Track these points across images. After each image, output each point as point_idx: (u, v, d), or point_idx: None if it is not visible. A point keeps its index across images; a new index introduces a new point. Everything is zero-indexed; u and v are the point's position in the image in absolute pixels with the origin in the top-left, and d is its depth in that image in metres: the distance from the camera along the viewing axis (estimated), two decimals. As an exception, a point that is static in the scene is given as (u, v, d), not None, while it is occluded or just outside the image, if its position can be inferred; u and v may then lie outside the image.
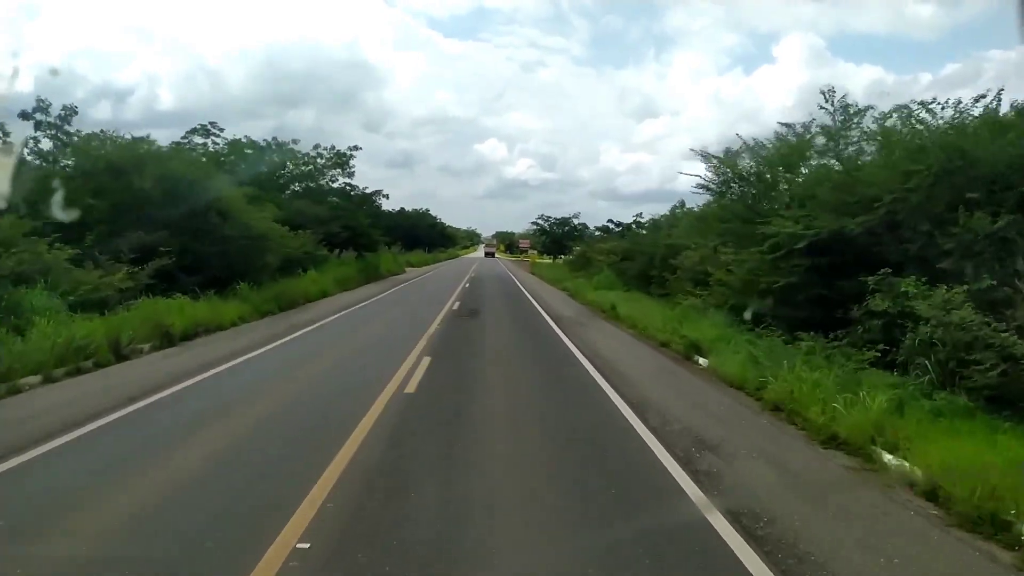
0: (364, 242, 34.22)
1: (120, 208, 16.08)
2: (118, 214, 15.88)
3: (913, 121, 10.08)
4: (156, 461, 5.57)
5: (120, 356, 10.32)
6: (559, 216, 76.51)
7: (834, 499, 5.32)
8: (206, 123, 33.22)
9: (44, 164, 17.70)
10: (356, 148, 34.21)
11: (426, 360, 10.26)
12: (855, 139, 11.97)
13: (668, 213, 28.02)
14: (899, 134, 10.40)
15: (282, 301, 18.14)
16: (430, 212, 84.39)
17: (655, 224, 25.57)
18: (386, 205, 50.08)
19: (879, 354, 8.64)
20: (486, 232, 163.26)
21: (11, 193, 10.29)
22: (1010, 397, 6.90)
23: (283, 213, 28.07)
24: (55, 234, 12.21)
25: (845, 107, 12.51)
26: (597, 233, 57.29)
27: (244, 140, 32.16)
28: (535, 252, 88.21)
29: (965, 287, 7.73)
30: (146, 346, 11.20)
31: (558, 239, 76.68)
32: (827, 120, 12.33)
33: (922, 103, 10.04)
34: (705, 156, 13.67)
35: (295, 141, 32.92)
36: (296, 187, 34.09)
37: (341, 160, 33.85)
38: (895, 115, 10.80)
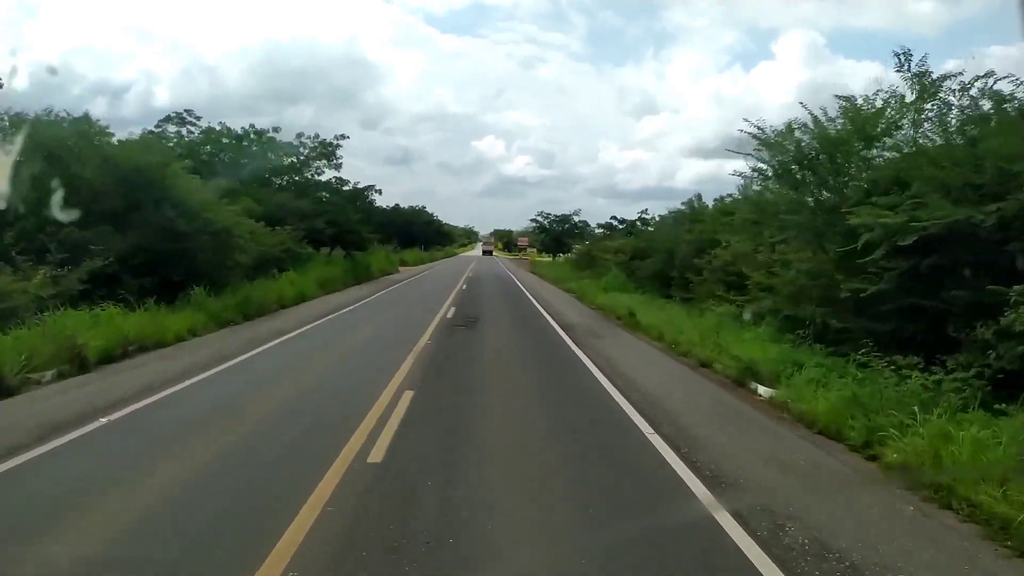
0: (353, 240, 31.66)
1: (54, 199, 13.57)
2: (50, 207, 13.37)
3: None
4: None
5: (5, 390, 7.82)
6: (559, 213, 73.87)
7: None
8: (181, 111, 30.75)
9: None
10: (343, 137, 31.64)
11: (407, 397, 7.75)
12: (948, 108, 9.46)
13: (684, 207, 25.53)
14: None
15: (249, 307, 15.64)
16: (426, 209, 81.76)
17: (675, 218, 23.03)
18: (381, 201, 47.56)
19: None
20: (484, 230, 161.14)
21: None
22: None
23: (262, 208, 25.81)
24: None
25: (920, 75, 10.05)
26: (600, 231, 54.99)
27: (219, 128, 29.58)
28: (534, 250, 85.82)
29: None
30: (49, 373, 8.69)
31: (558, 237, 74.32)
32: (900, 89, 9.88)
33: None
34: (760, 134, 11.12)
35: (276, 129, 30.34)
36: (279, 180, 31.53)
37: (327, 150, 31.26)
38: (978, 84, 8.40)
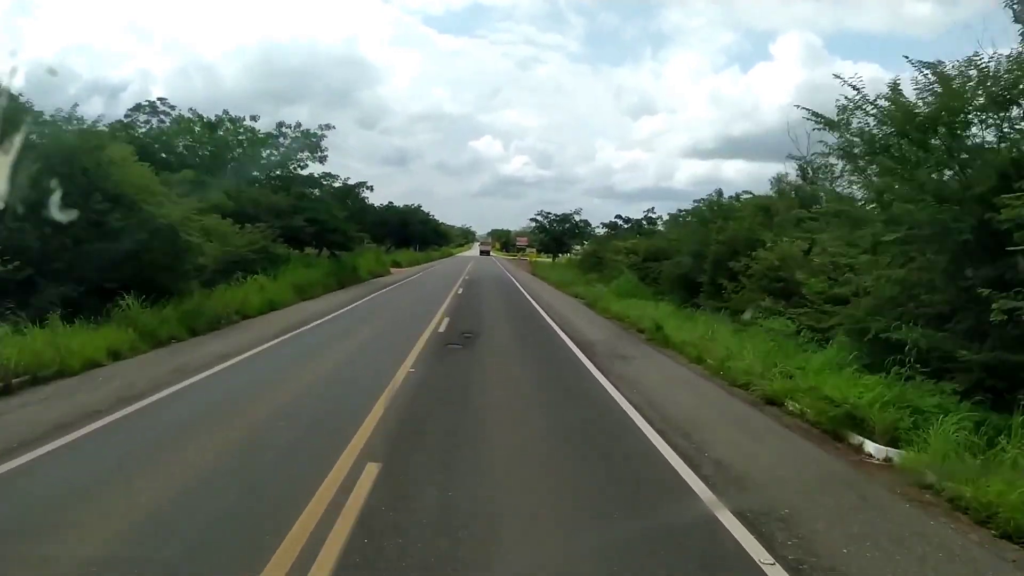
0: (339, 239, 28.90)
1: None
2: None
3: None
4: None
5: None
6: (559, 212, 71.09)
7: None
8: (154, 99, 28.05)
9: None
10: (328, 127, 28.87)
11: (368, 476, 5.04)
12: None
13: (701, 204, 22.86)
14: None
15: (199, 320, 12.92)
16: (422, 208, 78.85)
17: (700, 215, 20.33)
18: (375, 200, 44.93)
19: None
20: (481, 230, 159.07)
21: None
22: None
23: (234, 204, 23.12)
24: None
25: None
26: (604, 230, 52.41)
27: (191, 116, 26.84)
28: (533, 250, 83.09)
29: None
30: None
31: (558, 236, 71.62)
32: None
33: None
34: (858, 96, 8.43)
35: (255, 118, 27.56)
36: (259, 174, 28.79)
37: (310, 141, 28.50)
38: None
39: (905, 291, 8.83)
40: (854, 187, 11.86)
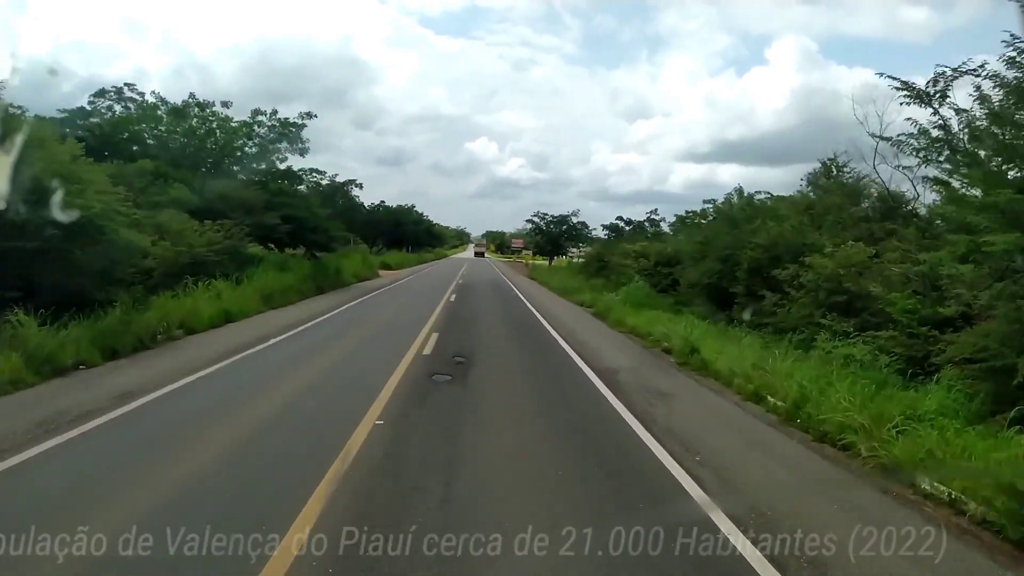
0: (320, 239, 26.22)
1: None
2: None
3: None
4: None
5: None
6: (556, 214, 68.35)
7: None
8: (121, 84, 25.42)
9: None
10: (309, 116, 26.17)
11: None
12: None
13: (727, 202, 20.32)
14: None
15: (124, 339, 10.29)
16: (415, 208, 76.09)
17: (727, 215, 17.75)
18: (369, 199, 42.29)
19: None
20: (476, 232, 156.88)
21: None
22: None
23: (199, 198, 20.51)
24: None
25: None
26: (605, 233, 49.85)
27: (154, 101, 24.16)
28: (529, 252, 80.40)
29: None
30: None
31: (555, 239, 68.94)
32: None
33: None
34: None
35: (226, 104, 24.86)
36: (233, 166, 26.13)
37: (288, 131, 25.82)
38: None
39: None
40: (952, 176, 9.41)
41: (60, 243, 10.40)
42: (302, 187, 31.52)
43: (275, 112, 25.56)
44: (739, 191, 23.21)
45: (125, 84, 25.77)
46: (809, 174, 19.12)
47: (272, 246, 26.76)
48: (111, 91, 25.96)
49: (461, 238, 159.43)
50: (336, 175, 38.70)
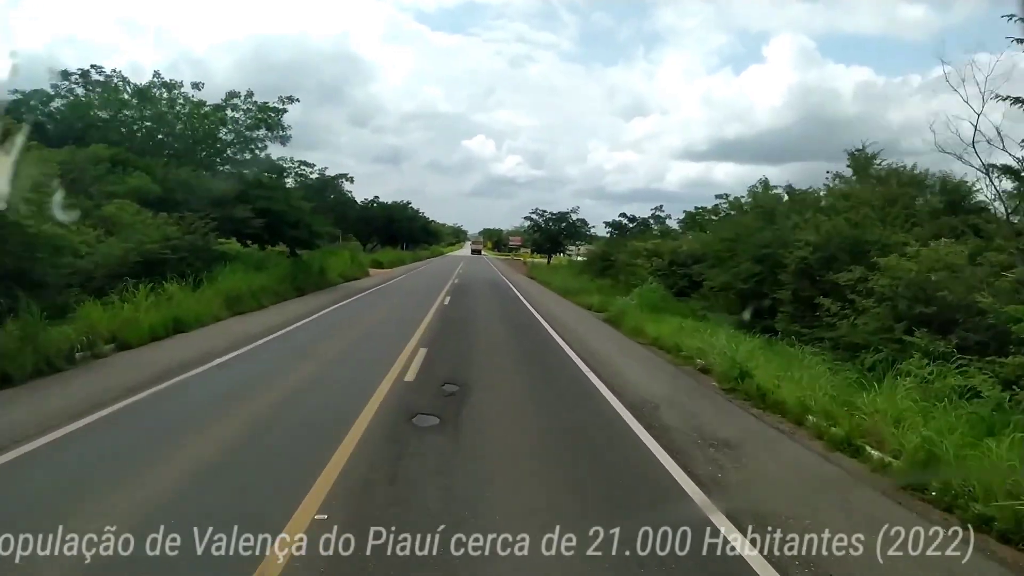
0: (301, 235, 23.92)
1: None
2: None
3: None
4: None
5: None
6: (555, 211, 65.97)
7: None
8: (87, 67, 23.08)
9: None
10: (290, 100, 23.79)
11: None
12: None
13: (761, 194, 18.09)
14: None
15: (22, 360, 8.01)
16: (411, 205, 73.64)
17: (764, 211, 15.47)
18: (364, 195, 39.99)
19: None
20: (473, 229, 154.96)
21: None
22: None
23: (160, 188, 18.28)
24: None
25: None
26: (607, 231, 47.58)
27: (119, 83, 21.80)
28: (527, 250, 78.14)
29: None
30: None
31: (554, 236, 66.57)
32: None
33: None
34: None
35: (197, 86, 22.51)
36: (206, 153, 23.81)
37: (267, 118, 23.47)
38: None
39: None
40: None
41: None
42: (288, 179, 29.32)
43: (251, 94, 23.18)
44: (764, 183, 21.04)
45: (92, 66, 23.48)
46: (834, 170, 16.79)
47: (251, 243, 24.57)
48: (76, 73, 23.69)
49: (458, 236, 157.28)
50: (326, 168, 36.42)
